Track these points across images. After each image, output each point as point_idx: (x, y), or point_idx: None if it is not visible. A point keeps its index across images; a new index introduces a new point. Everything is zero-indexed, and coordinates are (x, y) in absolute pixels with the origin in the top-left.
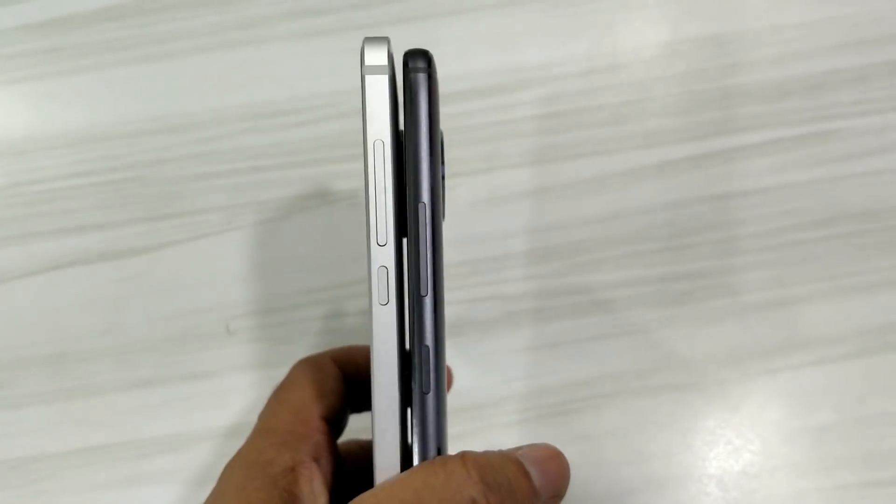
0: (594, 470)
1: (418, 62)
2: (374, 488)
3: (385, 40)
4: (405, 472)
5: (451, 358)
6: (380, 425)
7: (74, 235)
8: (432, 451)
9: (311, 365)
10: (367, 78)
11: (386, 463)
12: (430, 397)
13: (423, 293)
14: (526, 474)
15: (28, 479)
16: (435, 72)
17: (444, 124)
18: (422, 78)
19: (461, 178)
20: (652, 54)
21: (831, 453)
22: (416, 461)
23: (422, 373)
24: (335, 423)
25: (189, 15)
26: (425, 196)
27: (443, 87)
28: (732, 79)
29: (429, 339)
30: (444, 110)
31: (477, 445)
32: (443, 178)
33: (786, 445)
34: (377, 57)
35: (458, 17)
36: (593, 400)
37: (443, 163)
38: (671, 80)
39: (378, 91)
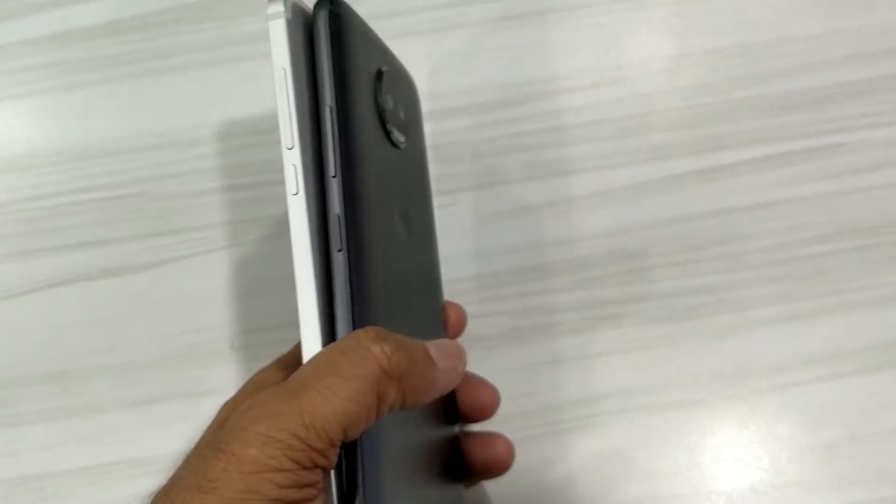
0: (601, 488)
1: (321, 6)
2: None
3: None
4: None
5: None
6: (302, 301)
7: (76, 252)
8: (342, 306)
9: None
10: (270, 24)
11: (308, 339)
12: (342, 255)
13: (331, 174)
14: (425, 347)
15: (31, 498)
16: (344, 9)
17: (447, 138)
18: (321, 14)
19: (465, 193)
20: (657, 68)
21: (840, 470)
22: (338, 320)
23: (331, 236)
24: None
25: (191, 29)
26: (329, 100)
27: (447, 102)
28: (738, 92)
29: (337, 209)
30: (448, 124)
31: None
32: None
33: (794, 462)
34: (276, 6)
35: (462, 31)
36: (600, 417)
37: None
38: (676, 94)
39: (277, 32)
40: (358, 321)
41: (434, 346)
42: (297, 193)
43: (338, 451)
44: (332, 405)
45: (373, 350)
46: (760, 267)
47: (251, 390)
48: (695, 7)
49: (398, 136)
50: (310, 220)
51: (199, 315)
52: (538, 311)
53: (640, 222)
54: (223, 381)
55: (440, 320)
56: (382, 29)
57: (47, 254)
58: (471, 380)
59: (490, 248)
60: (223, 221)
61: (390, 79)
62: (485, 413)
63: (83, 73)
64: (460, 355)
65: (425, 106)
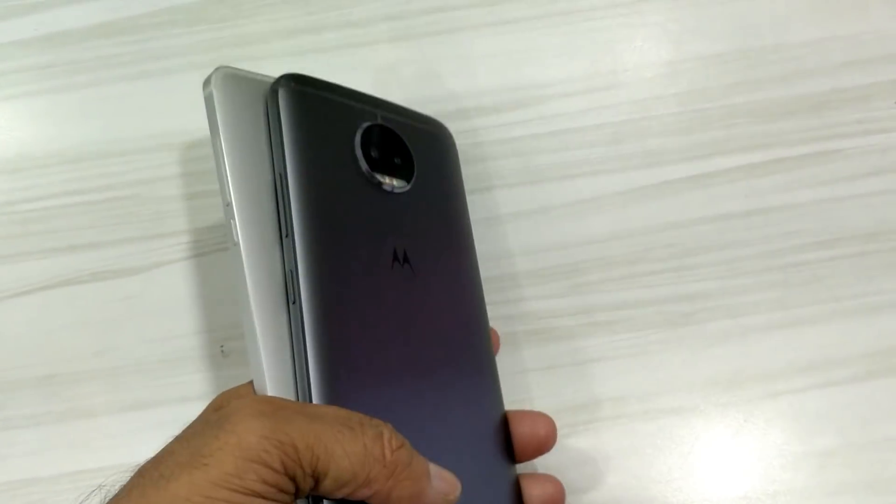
0: (593, 495)
1: (277, 83)
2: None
3: (213, 72)
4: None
5: None
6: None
7: (67, 255)
8: (298, 355)
9: None
10: (205, 100)
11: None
12: (295, 307)
13: (284, 234)
14: (426, 461)
15: (19, 503)
16: (303, 87)
17: None
18: (280, 93)
19: None
20: (653, 73)
21: (835, 478)
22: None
23: (287, 289)
24: None
25: (185, 31)
26: (278, 168)
27: (442, 106)
28: (735, 98)
29: (291, 265)
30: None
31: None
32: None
33: (788, 470)
34: (207, 86)
35: (458, 35)
36: (593, 424)
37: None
38: (672, 99)
39: (207, 106)
40: (315, 368)
41: (434, 466)
42: (237, 244)
43: (310, 489)
44: (334, 448)
45: (384, 435)
46: (755, 273)
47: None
48: (691, 13)
49: (392, 183)
50: (250, 271)
51: (191, 319)
52: (532, 317)
53: (634, 228)
54: (214, 385)
55: (478, 344)
56: (378, 33)
57: (38, 256)
58: (521, 414)
59: (483, 253)
60: (215, 225)
61: (380, 133)
62: (542, 448)
63: (76, 75)
64: (455, 486)
65: (422, 109)
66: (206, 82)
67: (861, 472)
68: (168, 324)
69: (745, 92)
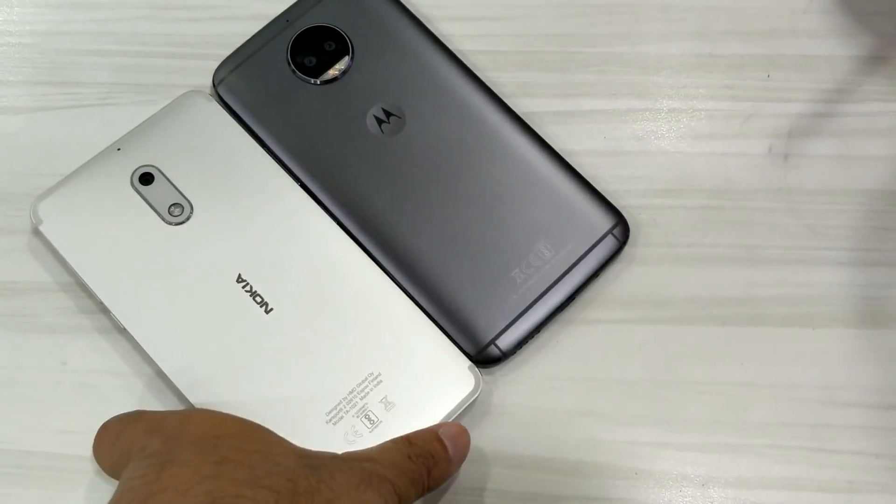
0: None
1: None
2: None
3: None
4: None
5: None
6: None
7: None
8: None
9: None
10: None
11: None
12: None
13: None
14: (444, 446)
15: None
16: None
17: None
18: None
19: None
20: (543, 13)
21: (632, 409)
22: None
23: None
24: None
25: None
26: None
27: None
28: (614, 47)
29: None
30: None
31: None
32: None
33: (590, 395)
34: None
35: None
36: None
37: None
38: (555, 39)
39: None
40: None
41: (450, 441)
42: (124, 329)
43: None
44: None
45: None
46: None
47: None
48: None
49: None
50: (146, 345)
51: (62, 162)
52: None
53: None
54: None
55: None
56: None
57: None
58: None
59: None
60: (101, 81)
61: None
62: None
63: None
64: (461, 428)
65: None
66: (35, 221)
67: (659, 408)
68: (39, 162)
69: (624, 43)
